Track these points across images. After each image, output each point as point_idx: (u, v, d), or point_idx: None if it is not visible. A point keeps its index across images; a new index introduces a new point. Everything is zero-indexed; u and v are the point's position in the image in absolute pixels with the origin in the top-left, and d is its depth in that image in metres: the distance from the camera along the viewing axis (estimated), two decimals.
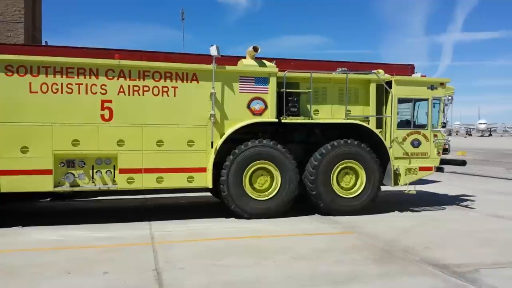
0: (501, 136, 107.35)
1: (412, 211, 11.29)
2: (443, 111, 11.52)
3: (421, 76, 11.99)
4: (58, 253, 7.40)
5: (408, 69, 13.27)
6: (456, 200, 12.86)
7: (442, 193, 14.35)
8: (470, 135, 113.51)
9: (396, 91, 11.06)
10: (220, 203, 10.89)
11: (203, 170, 9.86)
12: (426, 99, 11.38)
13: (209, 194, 12.81)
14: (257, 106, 10.18)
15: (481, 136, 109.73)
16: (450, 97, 11.49)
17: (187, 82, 9.78)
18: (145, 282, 5.99)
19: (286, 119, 10.31)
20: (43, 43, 20.56)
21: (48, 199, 12.75)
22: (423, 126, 11.44)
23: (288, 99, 10.35)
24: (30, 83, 9.01)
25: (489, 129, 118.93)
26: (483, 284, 5.93)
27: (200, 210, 11.59)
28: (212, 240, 8.28)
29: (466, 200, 12.99)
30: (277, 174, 10.19)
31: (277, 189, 10.19)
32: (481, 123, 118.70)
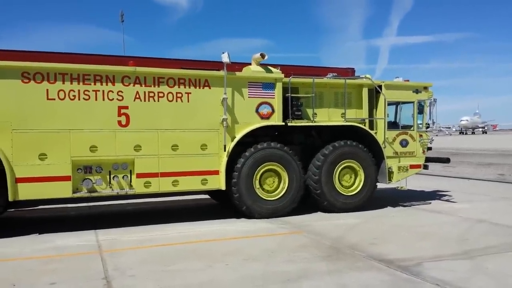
0: (436, 135, 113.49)
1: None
2: (427, 113, 12.53)
3: (404, 80, 12.92)
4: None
5: (349, 73, 13.37)
6: (395, 198, 13.11)
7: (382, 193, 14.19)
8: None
9: (386, 95, 11.91)
10: (163, 210, 10.92)
11: (216, 172, 10.20)
12: (412, 102, 12.34)
13: (169, 198, 12.71)
14: (265, 110, 10.64)
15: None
16: (433, 100, 12.49)
17: (199, 88, 10.08)
18: None
19: (292, 122, 10.85)
20: None
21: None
22: (409, 127, 12.39)
23: (292, 103, 10.90)
24: (47, 90, 9.00)
25: None
26: (427, 276, 6.15)
27: (147, 216, 11.44)
28: (161, 246, 8.16)
29: (405, 197, 13.31)
30: (284, 175, 10.68)
31: (285, 189, 10.69)
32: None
